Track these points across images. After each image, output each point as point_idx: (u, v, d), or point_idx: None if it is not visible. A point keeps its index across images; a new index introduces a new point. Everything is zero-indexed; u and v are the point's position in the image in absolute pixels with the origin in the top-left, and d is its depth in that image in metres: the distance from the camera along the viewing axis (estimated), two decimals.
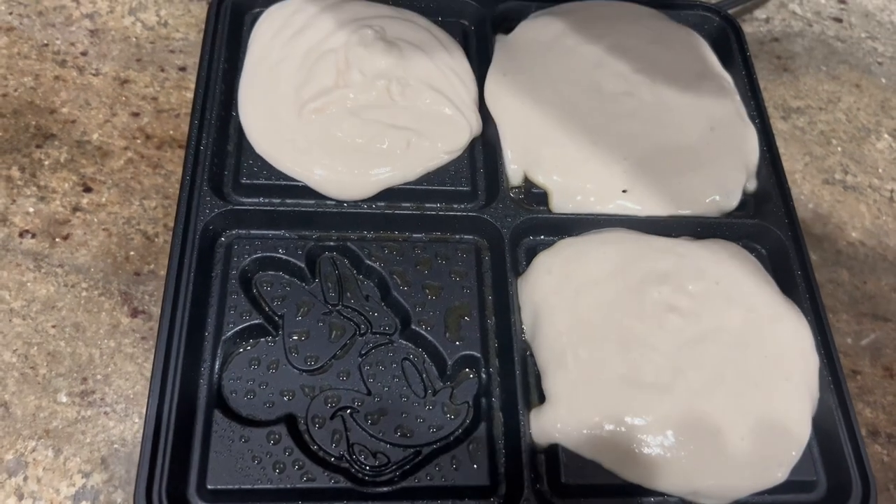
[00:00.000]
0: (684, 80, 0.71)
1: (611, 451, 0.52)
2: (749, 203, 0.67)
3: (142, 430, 0.51)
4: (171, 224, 0.63)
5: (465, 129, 0.66)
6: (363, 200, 0.62)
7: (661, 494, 0.52)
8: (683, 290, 0.59)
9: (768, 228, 0.66)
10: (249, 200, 0.61)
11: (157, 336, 0.54)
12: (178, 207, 0.58)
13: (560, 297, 0.58)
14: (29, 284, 0.65)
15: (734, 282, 0.60)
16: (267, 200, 0.61)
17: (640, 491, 0.52)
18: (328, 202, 0.61)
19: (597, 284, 0.59)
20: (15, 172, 0.70)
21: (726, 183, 0.65)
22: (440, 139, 0.65)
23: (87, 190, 0.70)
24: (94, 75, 0.77)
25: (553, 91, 0.69)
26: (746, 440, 0.53)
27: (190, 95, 0.74)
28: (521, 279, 0.61)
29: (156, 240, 0.68)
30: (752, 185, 0.68)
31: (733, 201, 0.66)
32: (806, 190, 0.78)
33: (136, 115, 0.75)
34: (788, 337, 0.58)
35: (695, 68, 0.73)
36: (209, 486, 0.50)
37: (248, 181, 0.62)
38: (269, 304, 0.58)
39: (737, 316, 0.58)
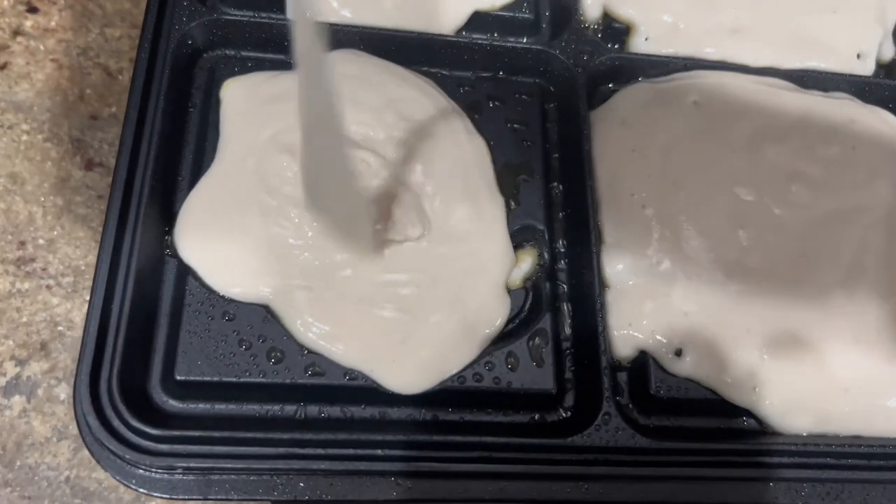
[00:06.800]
0: None
1: (712, 366, 0.42)
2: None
3: None
4: None
5: None
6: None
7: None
8: (810, 154, 0.47)
9: None
10: (241, 12, 0.48)
11: (114, 174, 0.41)
12: (147, 12, 0.45)
13: (641, 155, 0.47)
14: None
15: (878, 147, 0.49)
16: (265, 15, 0.47)
17: (748, 412, 0.43)
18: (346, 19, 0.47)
19: (692, 140, 0.47)
20: None
21: (860, 35, 0.54)
22: None
23: (32, 10, 0.58)
24: None
25: None
26: None
27: None
28: (596, 114, 0.49)
29: (119, 77, 0.57)
30: (889, 50, 0.55)
31: (868, 63, 0.54)
32: None
33: None
34: None
35: None
36: (178, 377, 0.39)
37: None
38: None
39: (882, 190, 0.47)
